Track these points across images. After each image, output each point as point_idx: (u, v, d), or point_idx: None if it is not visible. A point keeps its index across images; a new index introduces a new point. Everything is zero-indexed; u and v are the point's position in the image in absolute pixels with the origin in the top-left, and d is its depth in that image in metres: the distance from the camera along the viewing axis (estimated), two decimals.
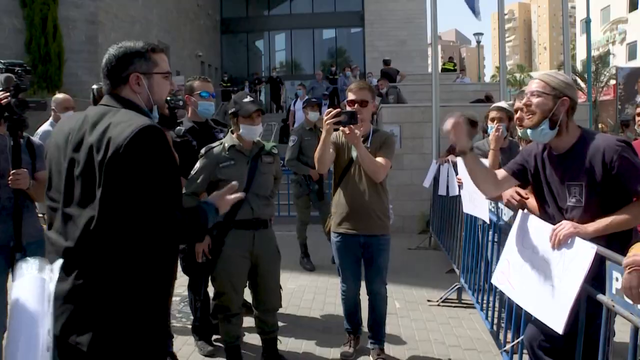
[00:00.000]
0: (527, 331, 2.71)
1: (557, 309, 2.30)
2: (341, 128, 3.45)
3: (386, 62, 16.19)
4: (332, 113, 3.34)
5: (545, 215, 2.63)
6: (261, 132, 3.47)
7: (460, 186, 4.53)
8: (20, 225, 2.84)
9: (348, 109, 3.51)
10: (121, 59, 1.90)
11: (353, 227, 3.67)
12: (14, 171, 2.81)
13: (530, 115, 2.51)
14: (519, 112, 3.24)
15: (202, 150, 3.48)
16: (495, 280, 2.87)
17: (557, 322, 2.27)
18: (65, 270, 1.73)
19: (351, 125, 3.34)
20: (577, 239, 2.29)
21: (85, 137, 1.77)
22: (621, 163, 2.33)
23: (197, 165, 3.43)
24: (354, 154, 3.63)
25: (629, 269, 1.86)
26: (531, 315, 2.77)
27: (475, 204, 4.14)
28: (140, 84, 1.91)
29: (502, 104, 4.48)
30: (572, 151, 2.49)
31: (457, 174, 4.71)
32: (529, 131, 2.55)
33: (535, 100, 2.50)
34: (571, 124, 2.52)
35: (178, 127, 3.88)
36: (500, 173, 2.80)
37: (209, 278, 3.55)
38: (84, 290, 1.73)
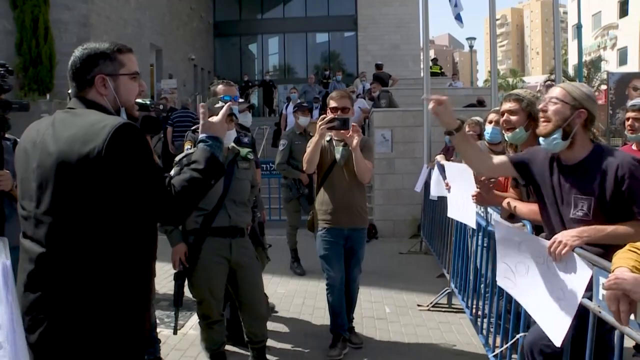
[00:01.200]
0: (527, 336, 2.69)
1: (557, 323, 2.30)
2: (346, 135, 3.81)
3: (378, 66, 16.17)
4: (326, 119, 3.75)
5: (547, 224, 2.61)
6: (235, 138, 3.40)
7: (448, 191, 4.53)
8: (3, 227, 2.80)
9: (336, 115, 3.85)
10: (86, 60, 1.85)
11: (338, 222, 4.00)
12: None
13: (545, 123, 2.48)
14: (505, 114, 3.20)
15: (177, 158, 3.44)
16: (502, 283, 2.85)
17: (557, 336, 2.27)
18: (38, 278, 1.70)
19: (344, 130, 3.75)
20: (577, 259, 2.25)
21: (54, 141, 1.74)
22: (632, 182, 2.30)
23: (172, 172, 3.39)
24: (337, 155, 4.00)
25: (609, 290, 1.80)
26: (527, 321, 2.77)
27: (462, 209, 4.13)
28: (106, 86, 1.85)
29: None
30: (584, 163, 2.45)
31: (444, 178, 4.70)
32: (541, 139, 2.52)
33: (552, 107, 2.46)
34: (585, 138, 2.47)
35: None
36: (500, 158, 2.79)
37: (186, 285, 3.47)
38: (61, 297, 1.70)
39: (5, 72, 2.79)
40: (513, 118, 3.14)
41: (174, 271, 3.42)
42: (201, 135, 1.97)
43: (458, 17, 9.69)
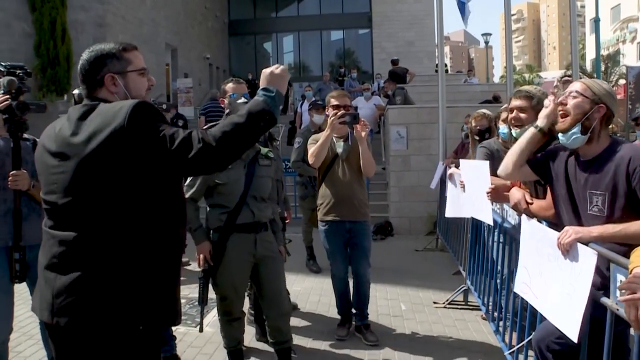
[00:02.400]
0: (536, 333, 2.67)
1: (570, 318, 2.28)
2: (356, 130, 3.95)
3: (394, 62, 16.10)
4: (338, 114, 3.92)
5: (560, 220, 2.59)
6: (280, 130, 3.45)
7: (462, 189, 4.50)
8: (20, 225, 2.86)
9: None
10: (94, 62, 1.92)
11: (339, 214, 4.16)
12: (13, 172, 2.84)
13: (563, 118, 2.48)
14: (514, 111, 3.18)
15: None
16: (519, 290, 2.83)
17: (571, 331, 2.26)
18: (71, 260, 1.76)
19: (357, 126, 3.91)
20: (579, 246, 2.25)
21: (72, 132, 1.80)
22: None
23: None
24: (339, 150, 4.20)
25: (625, 294, 1.80)
26: (538, 318, 2.75)
27: (477, 206, 4.11)
28: (116, 84, 1.92)
29: None
30: (598, 158, 2.44)
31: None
32: (560, 136, 2.51)
33: (572, 101, 2.46)
34: (604, 134, 2.47)
35: None
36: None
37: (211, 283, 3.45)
38: (94, 277, 1.75)
39: (23, 74, 2.85)
40: (522, 115, 3.12)
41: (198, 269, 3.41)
42: (265, 86, 1.90)
43: (462, 11, 9.61)
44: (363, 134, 3.93)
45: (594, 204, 2.39)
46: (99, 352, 1.78)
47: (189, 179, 3.36)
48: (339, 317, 4.41)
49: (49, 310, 1.78)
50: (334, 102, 4.18)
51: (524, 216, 2.81)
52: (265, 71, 1.93)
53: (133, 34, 15.89)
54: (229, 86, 3.95)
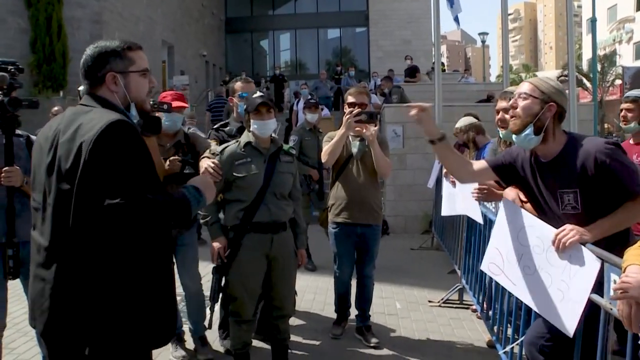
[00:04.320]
0: (526, 335, 2.67)
1: (566, 315, 2.28)
2: (365, 128, 3.86)
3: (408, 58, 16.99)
4: (354, 112, 3.78)
5: (542, 217, 2.58)
6: (276, 129, 3.35)
7: (453, 186, 4.51)
8: (13, 222, 2.85)
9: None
10: (97, 58, 1.90)
11: (351, 217, 4.02)
12: (5, 168, 2.83)
13: (514, 119, 2.46)
14: (500, 112, 3.18)
15: (218, 149, 3.41)
16: (486, 268, 2.82)
17: (567, 327, 2.26)
18: (43, 270, 1.75)
19: (367, 125, 3.81)
20: (584, 250, 2.24)
21: (59, 137, 1.79)
22: (615, 166, 2.28)
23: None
24: (354, 150, 4.02)
25: (619, 294, 1.80)
26: (533, 317, 2.75)
27: (468, 204, 4.12)
28: (117, 83, 1.90)
29: None
30: (560, 158, 2.42)
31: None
32: (514, 136, 2.50)
33: (522, 102, 2.44)
34: (558, 131, 2.45)
35: (229, 127, 3.96)
36: (480, 164, 2.77)
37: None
38: (64, 286, 1.73)
39: (15, 70, 2.82)
40: (508, 116, 3.12)
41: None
42: (190, 186, 1.96)
43: (456, 19, 9.63)
44: (368, 133, 3.83)
45: (566, 203, 2.39)
46: None
47: None
48: (334, 315, 4.39)
49: (30, 315, 1.80)
50: (350, 99, 4.00)
51: (504, 199, 2.79)
52: (209, 181, 2.05)
53: (129, 31, 15.84)
54: (238, 85, 3.95)
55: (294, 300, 3.56)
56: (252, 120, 3.32)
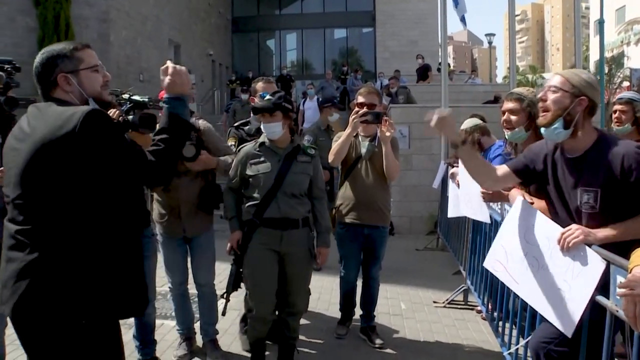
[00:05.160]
0: (532, 339, 2.64)
1: (566, 315, 2.28)
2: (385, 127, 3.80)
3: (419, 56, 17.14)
4: (360, 112, 3.82)
5: (555, 218, 2.55)
6: (280, 131, 3.33)
7: (457, 187, 4.50)
8: (2, 222, 2.85)
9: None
10: (45, 64, 1.97)
11: (359, 218, 3.99)
12: (2, 169, 2.82)
13: (544, 113, 2.40)
14: (505, 113, 3.16)
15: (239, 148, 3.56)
16: (490, 266, 2.82)
17: (567, 327, 2.26)
18: (11, 254, 1.84)
19: (382, 126, 3.78)
20: (588, 250, 2.22)
21: (29, 131, 1.89)
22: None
23: (234, 161, 3.51)
24: (363, 150, 4.00)
25: (625, 291, 1.79)
26: (538, 318, 2.74)
27: (475, 206, 4.10)
28: (70, 83, 1.97)
29: None
30: (588, 155, 2.37)
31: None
32: (542, 130, 2.45)
33: (552, 96, 2.39)
34: (588, 126, 2.39)
35: (249, 127, 4.00)
36: (502, 169, 2.73)
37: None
38: (27, 273, 1.81)
39: (12, 69, 2.82)
40: (513, 118, 3.10)
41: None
42: (165, 96, 2.07)
43: (463, 20, 9.60)
44: (387, 134, 3.78)
45: (586, 201, 2.34)
46: (44, 344, 1.86)
47: (231, 170, 3.46)
48: (338, 315, 4.40)
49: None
50: (360, 99, 3.98)
51: (519, 197, 2.77)
52: (173, 81, 2.08)
53: (136, 30, 15.90)
54: (260, 85, 3.96)
55: (308, 299, 3.57)
56: (261, 122, 3.43)
